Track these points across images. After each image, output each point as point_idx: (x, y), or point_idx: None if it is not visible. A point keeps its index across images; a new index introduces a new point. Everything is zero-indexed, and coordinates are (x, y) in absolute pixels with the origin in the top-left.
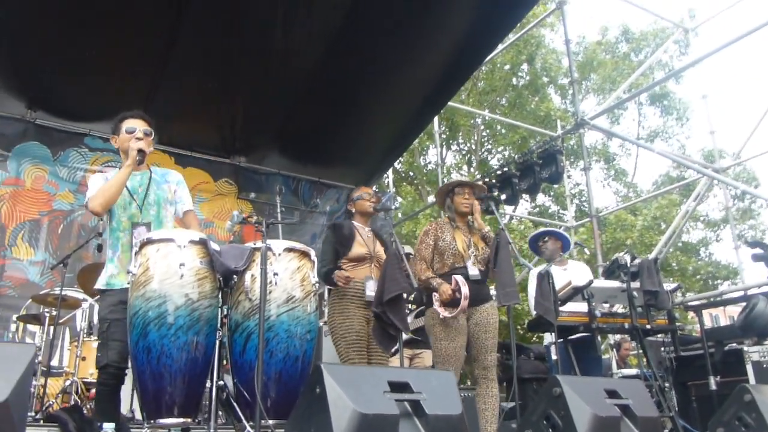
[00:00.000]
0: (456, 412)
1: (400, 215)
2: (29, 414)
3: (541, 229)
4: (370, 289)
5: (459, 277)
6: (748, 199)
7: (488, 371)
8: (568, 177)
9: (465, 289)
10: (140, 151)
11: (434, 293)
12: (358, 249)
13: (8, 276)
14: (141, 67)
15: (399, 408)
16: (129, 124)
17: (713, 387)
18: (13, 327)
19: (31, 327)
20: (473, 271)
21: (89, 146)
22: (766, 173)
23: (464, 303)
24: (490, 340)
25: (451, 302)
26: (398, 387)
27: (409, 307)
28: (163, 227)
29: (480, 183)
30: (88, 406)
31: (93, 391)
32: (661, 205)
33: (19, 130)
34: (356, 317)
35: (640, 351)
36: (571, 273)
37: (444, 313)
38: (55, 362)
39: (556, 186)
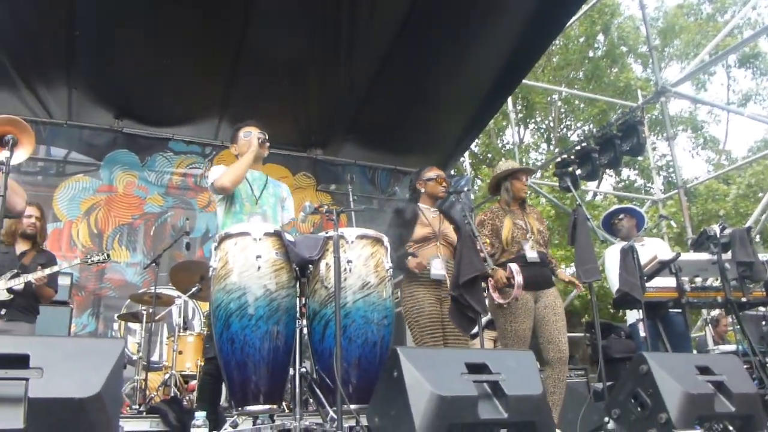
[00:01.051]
0: (537, 392)
1: (475, 195)
2: (134, 407)
3: (614, 207)
4: (436, 268)
5: (514, 266)
6: None
7: (562, 354)
8: (653, 149)
9: (519, 278)
10: (260, 138)
11: (490, 279)
12: (420, 230)
13: (108, 278)
14: (215, 69)
15: (477, 389)
16: (245, 130)
17: None
18: (115, 326)
19: (131, 325)
20: (532, 254)
21: (173, 150)
22: None
23: (517, 291)
24: (560, 323)
25: (506, 289)
26: (476, 368)
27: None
28: (278, 222)
29: (530, 167)
30: (187, 398)
31: (191, 383)
32: (756, 171)
33: (108, 140)
34: (426, 299)
35: (738, 326)
36: (649, 249)
37: (499, 299)
38: (154, 357)
39: (640, 159)
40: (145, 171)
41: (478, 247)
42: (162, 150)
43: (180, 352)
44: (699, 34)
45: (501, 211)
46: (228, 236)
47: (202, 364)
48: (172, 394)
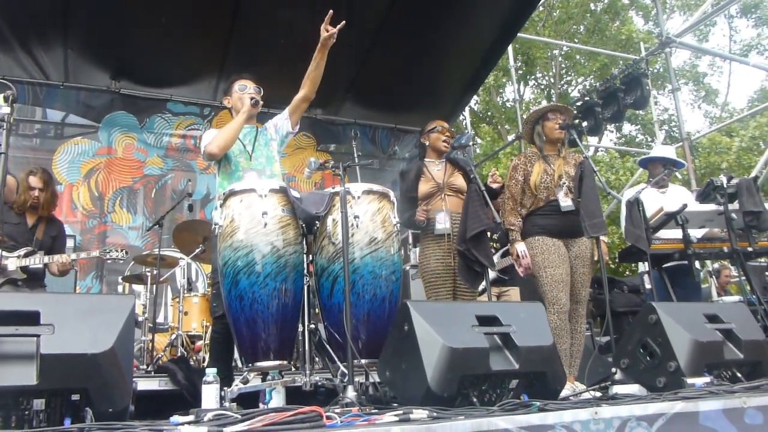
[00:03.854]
0: (547, 342)
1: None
2: (142, 367)
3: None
4: (440, 222)
5: (521, 248)
6: None
7: (581, 305)
8: (655, 103)
9: (527, 261)
10: (253, 99)
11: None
12: (423, 186)
13: (110, 241)
14: (212, 29)
15: (488, 341)
16: (240, 83)
17: None
18: (120, 288)
19: (136, 287)
20: (566, 202)
21: (172, 111)
22: None
23: (520, 271)
24: (587, 274)
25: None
26: (486, 321)
27: (494, 246)
28: (274, 166)
29: (559, 104)
30: (194, 357)
31: (198, 343)
32: (760, 123)
33: (106, 101)
34: (432, 255)
35: (743, 277)
36: (670, 196)
37: (518, 268)
38: (160, 318)
39: (642, 113)
40: (144, 133)
41: (485, 203)
42: (160, 111)
43: (185, 313)
44: None
45: (534, 156)
46: (233, 193)
47: (209, 324)
48: (180, 354)
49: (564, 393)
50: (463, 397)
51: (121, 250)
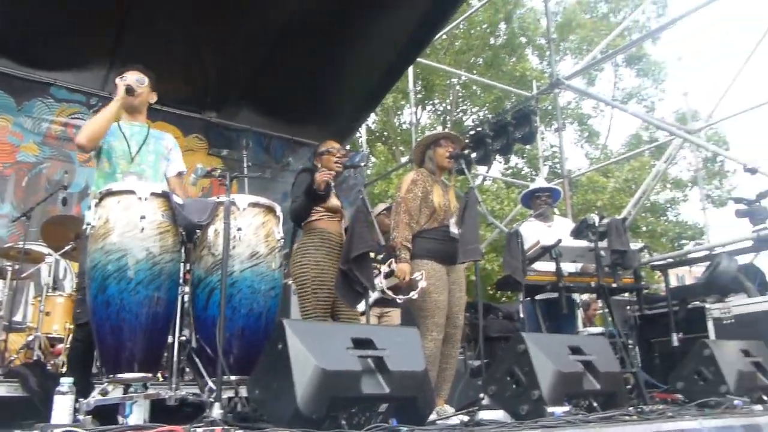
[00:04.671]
0: (420, 368)
1: (369, 172)
2: None
3: (538, 184)
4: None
5: (424, 283)
6: (718, 162)
7: (458, 330)
8: (542, 139)
9: (423, 284)
10: (128, 87)
11: (392, 262)
12: (334, 200)
13: None
14: (108, 16)
15: (362, 364)
16: (123, 74)
17: (675, 343)
18: None
19: None
20: (455, 229)
21: (55, 97)
22: (735, 136)
23: (413, 294)
24: (463, 299)
25: (400, 287)
26: (361, 343)
27: (378, 267)
28: (159, 179)
29: (453, 133)
30: (52, 362)
31: (59, 346)
32: (633, 167)
33: None
34: (330, 272)
35: (606, 310)
36: (555, 229)
37: (387, 289)
38: (18, 317)
39: (528, 147)
40: (21, 116)
41: (372, 225)
42: (42, 95)
43: (47, 314)
44: (593, 31)
45: (431, 177)
46: (111, 193)
47: (71, 326)
48: (35, 358)
49: (432, 416)
50: (331, 420)
51: None
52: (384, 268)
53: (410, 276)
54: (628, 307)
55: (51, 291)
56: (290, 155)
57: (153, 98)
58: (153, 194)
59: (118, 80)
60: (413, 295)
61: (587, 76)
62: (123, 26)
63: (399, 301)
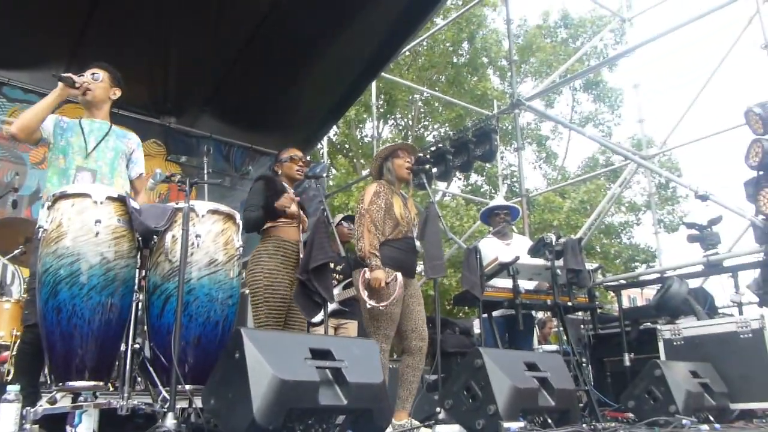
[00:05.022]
0: (377, 380)
1: (330, 184)
2: None
3: (496, 202)
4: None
5: (400, 278)
6: (671, 187)
7: (424, 343)
8: (501, 158)
9: (400, 291)
10: (61, 77)
11: (365, 271)
12: (291, 206)
13: None
14: (66, 15)
15: (320, 375)
16: (81, 74)
17: (627, 363)
18: None
19: None
20: (418, 242)
21: (8, 96)
22: (688, 163)
23: (390, 301)
24: (423, 312)
25: (376, 292)
26: (320, 354)
27: (337, 278)
28: (116, 177)
29: (410, 144)
30: None
31: (4, 353)
32: (589, 189)
33: None
34: (284, 282)
35: (561, 328)
36: (514, 246)
37: (370, 301)
38: None
39: (488, 165)
40: None
41: (331, 235)
42: None
43: None
44: (552, 55)
45: (391, 189)
46: (65, 196)
47: (18, 333)
48: None
49: (388, 429)
50: (288, 431)
51: None
52: (360, 278)
53: (384, 283)
54: (582, 326)
55: None
56: (250, 164)
57: (115, 94)
58: (109, 198)
59: (79, 77)
60: (393, 299)
61: (546, 98)
62: (83, 26)
63: (382, 308)
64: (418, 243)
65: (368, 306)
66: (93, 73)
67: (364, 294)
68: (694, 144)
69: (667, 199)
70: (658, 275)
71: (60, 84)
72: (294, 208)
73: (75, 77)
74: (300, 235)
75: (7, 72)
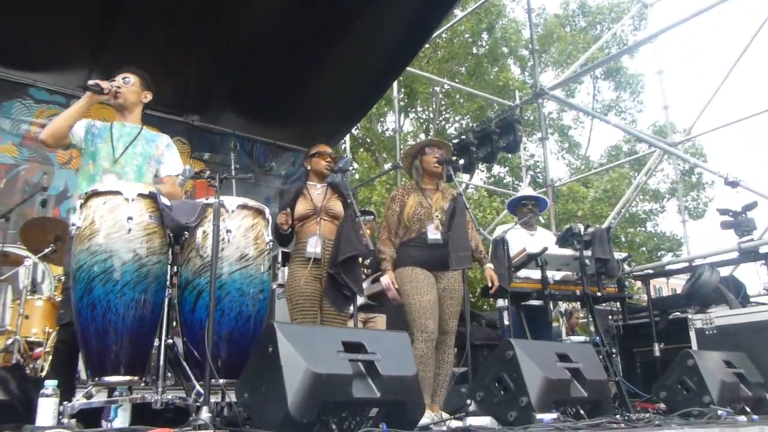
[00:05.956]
0: (410, 372)
1: (357, 176)
2: None
3: (523, 192)
4: (311, 246)
5: (385, 281)
6: (695, 174)
7: (448, 336)
8: (524, 149)
9: (392, 294)
10: (88, 86)
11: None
12: (300, 207)
13: None
14: (89, 16)
15: (352, 368)
16: (115, 76)
17: (657, 353)
18: None
19: None
20: (434, 235)
21: (34, 98)
22: (713, 149)
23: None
24: (455, 306)
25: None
26: (352, 347)
27: (365, 272)
28: (144, 181)
29: (438, 139)
30: (31, 366)
31: (37, 350)
32: (612, 177)
33: None
34: (303, 278)
35: (590, 318)
36: (538, 238)
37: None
38: None
39: (511, 157)
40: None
41: (359, 229)
42: (21, 96)
43: (26, 317)
44: (572, 44)
45: (411, 188)
46: (97, 193)
47: (52, 330)
48: (14, 361)
49: (425, 421)
50: (322, 424)
51: None
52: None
53: (392, 289)
54: (610, 317)
55: (30, 294)
56: (274, 159)
57: (146, 98)
58: (140, 195)
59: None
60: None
61: (566, 88)
62: (105, 27)
63: (395, 303)
64: (432, 236)
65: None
66: (124, 77)
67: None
68: (719, 130)
69: (693, 186)
70: (687, 264)
71: (89, 92)
72: (303, 208)
73: (103, 83)
74: (316, 228)
75: (32, 74)
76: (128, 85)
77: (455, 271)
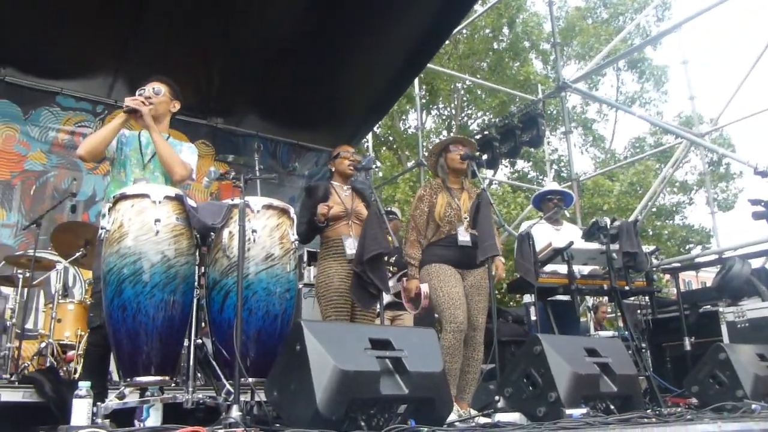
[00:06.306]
0: (437, 369)
1: (380, 175)
2: (5, 376)
3: (549, 187)
4: (350, 247)
5: (425, 289)
6: (723, 165)
7: (477, 333)
8: (548, 143)
9: (425, 302)
10: (128, 108)
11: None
12: (333, 208)
13: None
14: (112, 24)
15: (380, 365)
16: (142, 89)
17: (688, 348)
18: None
19: (4, 289)
20: (464, 237)
21: (61, 105)
22: (742, 139)
23: (419, 309)
24: (482, 303)
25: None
26: (379, 344)
27: (391, 270)
28: (172, 184)
29: (462, 136)
30: (65, 368)
31: (70, 353)
32: (638, 170)
33: None
34: (337, 275)
35: (617, 313)
36: (564, 233)
37: (406, 304)
38: (29, 325)
39: (534, 151)
40: (28, 125)
41: (384, 226)
42: (48, 104)
43: (59, 320)
44: (594, 37)
45: (439, 187)
46: (124, 197)
47: (84, 333)
48: (48, 364)
49: (453, 418)
50: (350, 421)
51: None
52: (397, 284)
53: (413, 293)
54: (639, 311)
55: (61, 298)
56: (297, 160)
57: (175, 107)
58: (167, 197)
59: (139, 93)
60: (422, 307)
61: (589, 81)
62: (129, 34)
63: (411, 312)
64: (462, 237)
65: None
66: (153, 87)
67: (407, 304)
68: (747, 119)
69: (721, 177)
70: (717, 256)
71: (126, 107)
72: (337, 209)
73: (141, 107)
74: (349, 230)
75: (59, 82)
76: (158, 95)
77: (481, 269)
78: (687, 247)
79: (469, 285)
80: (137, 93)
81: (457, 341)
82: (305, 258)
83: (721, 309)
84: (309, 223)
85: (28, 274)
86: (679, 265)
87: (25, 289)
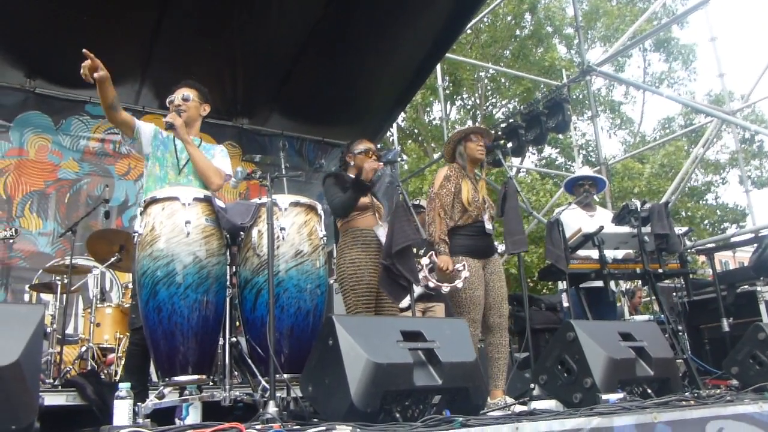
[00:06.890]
0: (470, 359)
1: (406, 167)
2: (48, 381)
3: (581, 172)
4: (383, 236)
5: (466, 271)
6: (757, 142)
7: (503, 319)
8: (574, 128)
9: (466, 274)
10: (168, 124)
11: (433, 255)
12: (362, 198)
13: (18, 248)
14: (136, 30)
15: (413, 357)
16: (172, 96)
17: (726, 329)
18: (26, 297)
19: (44, 296)
20: (489, 225)
21: (90, 113)
22: None
23: (458, 283)
24: (504, 288)
25: (444, 277)
26: (411, 336)
27: (419, 261)
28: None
29: (482, 127)
30: (105, 371)
31: (110, 356)
32: (668, 151)
33: (19, 100)
34: (367, 268)
35: (652, 297)
36: (597, 218)
37: (430, 281)
38: (69, 330)
39: (561, 137)
40: (60, 135)
41: (412, 218)
42: (78, 113)
43: (98, 325)
44: (618, 18)
45: (462, 171)
46: (155, 200)
47: (122, 336)
48: (90, 368)
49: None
50: (385, 413)
51: (11, 228)
52: (424, 260)
53: (452, 267)
54: (675, 294)
55: (99, 302)
56: (323, 157)
57: (205, 110)
58: (196, 199)
59: (168, 103)
60: (458, 284)
61: (615, 63)
62: (153, 40)
63: (444, 291)
64: (488, 225)
65: (431, 285)
66: (183, 95)
67: (429, 274)
68: None
69: (754, 155)
70: (753, 235)
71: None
72: (364, 198)
73: (172, 119)
74: (377, 222)
75: (87, 91)
76: (188, 101)
77: (497, 255)
78: (722, 226)
79: (489, 272)
80: (167, 101)
81: (475, 343)
82: (335, 254)
83: (759, 288)
84: (354, 185)
85: (66, 280)
86: (714, 245)
87: (64, 295)
